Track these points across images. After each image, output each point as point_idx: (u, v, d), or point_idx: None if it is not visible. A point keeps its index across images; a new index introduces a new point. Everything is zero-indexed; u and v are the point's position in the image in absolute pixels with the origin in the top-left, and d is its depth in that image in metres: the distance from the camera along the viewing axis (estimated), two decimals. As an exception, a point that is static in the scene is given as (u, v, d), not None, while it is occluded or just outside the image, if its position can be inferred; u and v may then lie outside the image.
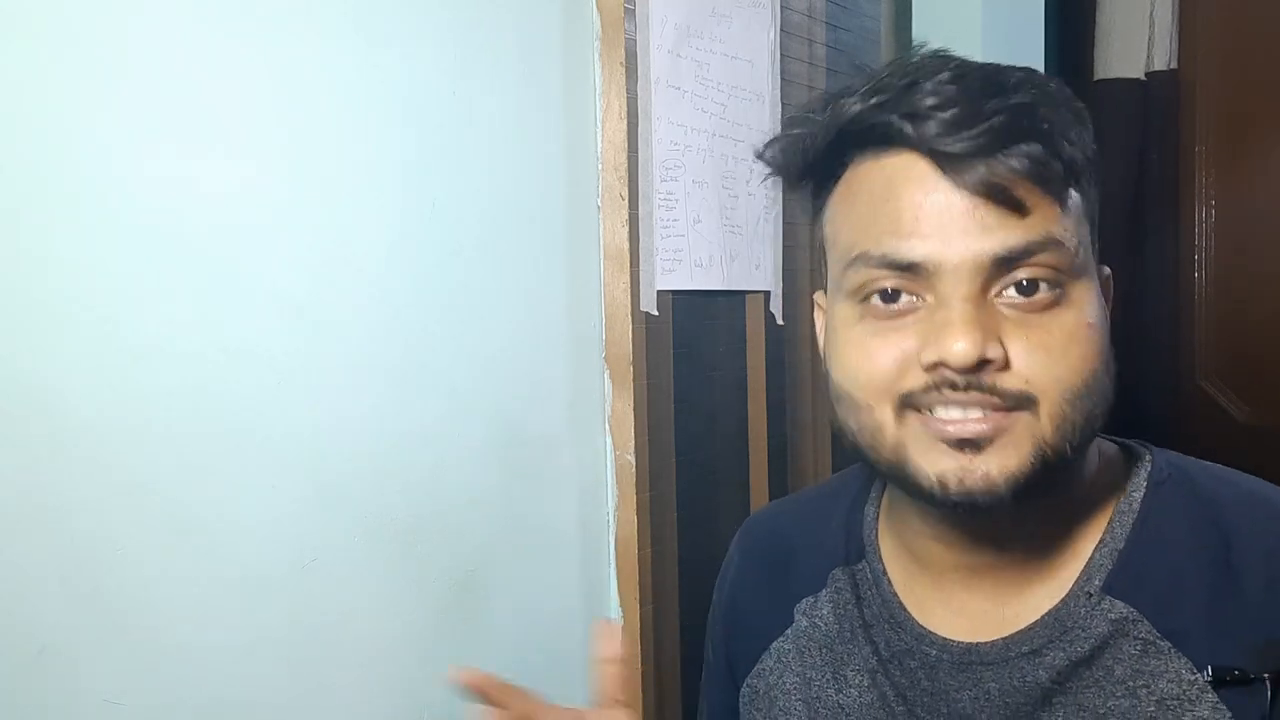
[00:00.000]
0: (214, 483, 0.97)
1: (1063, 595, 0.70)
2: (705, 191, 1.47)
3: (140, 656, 0.92)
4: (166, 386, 0.94)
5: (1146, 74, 2.47)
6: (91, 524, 0.89)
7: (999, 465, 0.64)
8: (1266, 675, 0.65)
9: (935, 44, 0.70)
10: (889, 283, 0.65)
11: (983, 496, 0.64)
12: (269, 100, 1.01)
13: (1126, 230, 2.49)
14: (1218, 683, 0.66)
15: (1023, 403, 0.63)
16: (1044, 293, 0.64)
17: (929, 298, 0.65)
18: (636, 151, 1.36)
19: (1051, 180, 0.64)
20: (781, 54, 1.62)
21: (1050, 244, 0.63)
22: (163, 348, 0.94)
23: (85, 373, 0.89)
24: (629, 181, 1.35)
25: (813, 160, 0.70)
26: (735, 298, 1.56)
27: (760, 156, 0.73)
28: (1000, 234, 0.63)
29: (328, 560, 1.07)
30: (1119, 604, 0.68)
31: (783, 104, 1.62)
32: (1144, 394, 2.46)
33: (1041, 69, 2.26)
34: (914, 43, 0.72)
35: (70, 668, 0.88)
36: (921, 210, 0.64)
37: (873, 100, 0.66)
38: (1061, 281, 0.64)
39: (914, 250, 0.64)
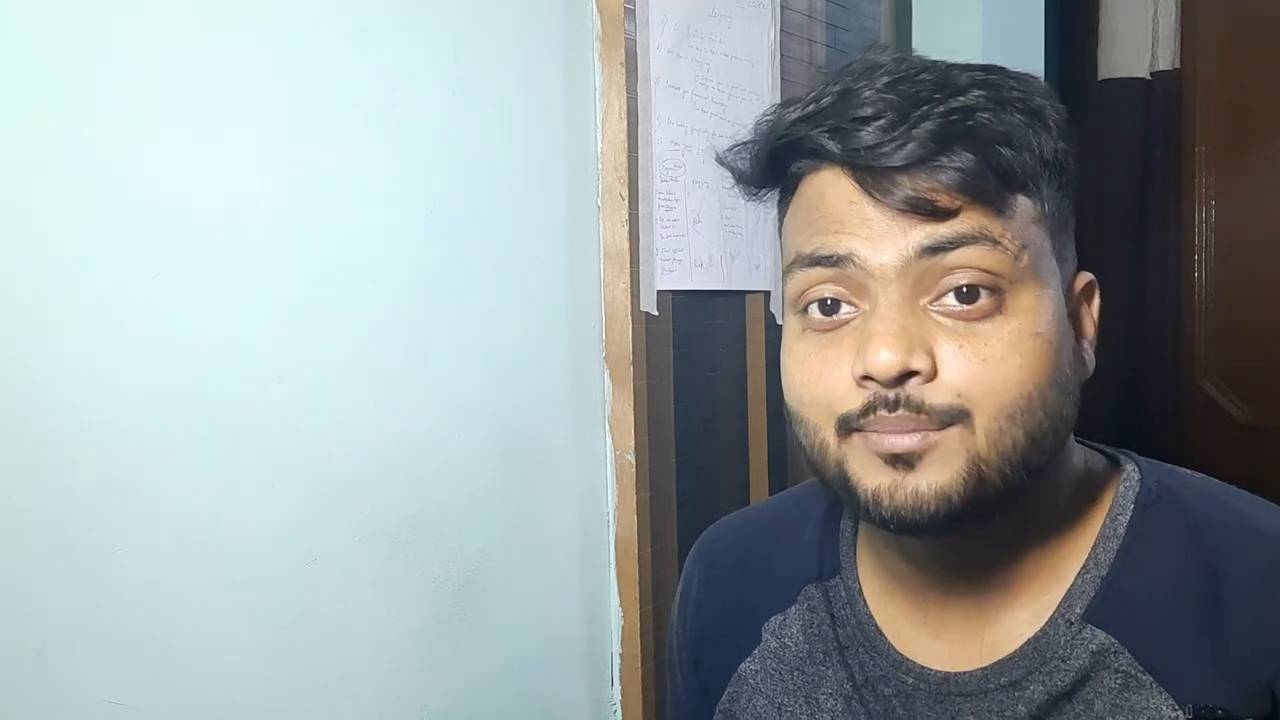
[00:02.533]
0: (214, 483, 0.97)
1: (1043, 623, 0.67)
2: (705, 191, 1.47)
3: (140, 656, 0.92)
4: (166, 386, 0.94)
5: (1151, 74, 2.48)
6: (91, 524, 0.89)
7: (928, 481, 0.61)
8: (1250, 719, 0.62)
9: (932, 49, 0.67)
10: (826, 289, 0.63)
11: (911, 514, 0.61)
12: (269, 101, 1.01)
13: (1128, 230, 2.49)
14: None
15: (954, 417, 0.61)
16: (983, 300, 0.61)
17: (864, 306, 0.63)
18: (636, 151, 1.36)
19: (983, 192, 0.60)
20: (781, 54, 1.62)
21: (981, 238, 0.60)
22: (163, 348, 0.94)
23: (85, 373, 0.89)
24: (629, 181, 1.35)
25: (761, 171, 0.69)
26: (735, 298, 1.56)
27: (722, 161, 0.71)
28: (927, 227, 0.61)
29: (328, 560, 1.07)
30: (1100, 633, 0.66)
31: (783, 104, 1.62)
32: (1144, 394, 2.46)
33: (1041, 69, 2.27)
34: (912, 46, 0.70)
35: (70, 668, 0.88)
36: (847, 216, 0.62)
37: (807, 109, 0.63)
38: (1001, 287, 0.61)
39: (839, 245, 0.62)
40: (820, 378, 0.64)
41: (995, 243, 0.61)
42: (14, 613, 0.85)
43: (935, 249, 0.61)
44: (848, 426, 0.63)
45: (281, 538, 1.03)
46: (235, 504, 0.99)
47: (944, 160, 0.60)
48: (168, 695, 0.94)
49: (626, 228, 1.35)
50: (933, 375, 0.61)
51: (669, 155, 1.41)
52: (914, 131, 0.60)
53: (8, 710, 0.84)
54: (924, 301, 0.62)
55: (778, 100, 1.60)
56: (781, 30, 1.62)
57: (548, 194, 1.31)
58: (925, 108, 0.60)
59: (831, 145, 0.62)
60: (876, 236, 0.61)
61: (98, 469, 0.90)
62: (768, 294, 1.60)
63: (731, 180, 0.71)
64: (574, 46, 1.34)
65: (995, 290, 0.61)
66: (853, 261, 0.62)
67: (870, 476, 0.63)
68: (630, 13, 1.35)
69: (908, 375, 0.60)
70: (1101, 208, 2.45)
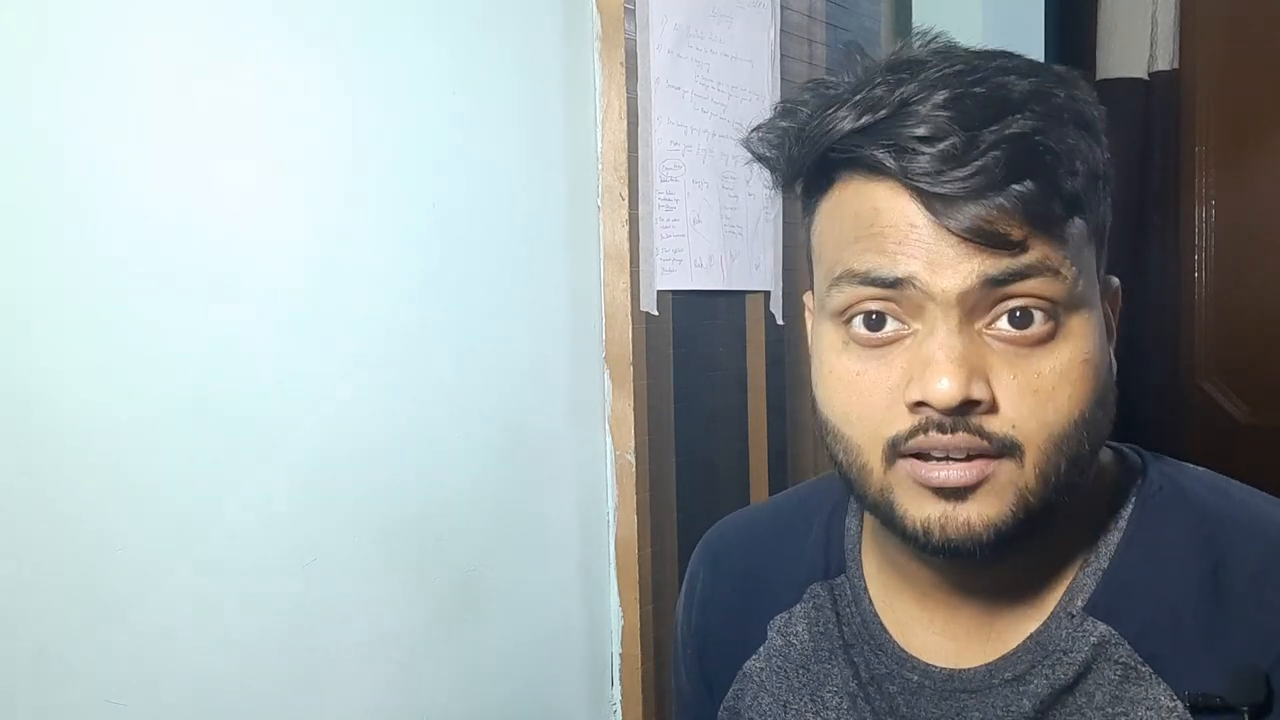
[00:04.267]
0: (214, 482, 0.97)
1: (1045, 617, 0.68)
2: (705, 191, 1.47)
3: (140, 656, 0.92)
4: (166, 386, 0.94)
5: (1149, 74, 2.47)
6: (91, 524, 0.89)
7: (979, 513, 0.61)
8: (1245, 708, 0.62)
9: (938, 34, 0.65)
10: (874, 304, 0.62)
11: (964, 543, 0.62)
12: (269, 100, 1.01)
13: (1128, 231, 2.49)
14: (1195, 709, 0.64)
15: (1007, 449, 0.61)
16: (1038, 325, 0.60)
17: (915, 325, 0.61)
18: (636, 151, 1.36)
19: (1048, 219, 0.59)
20: (781, 54, 1.62)
21: (1044, 270, 0.60)
22: (163, 348, 0.94)
23: (85, 373, 0.89)
24: (629, 181, 1.35)
25: (800, 171, 0.67)
26: (735, 298, 1.56)
27: (746, 144, 0.69)
28: (989, 255, 0.59)
29: (328, 560, 1.07)
30: (1100, 625, 0.66)
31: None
32: (1144, 394, 2.46)
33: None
34: (915, 32, 0.68)
35: (70, 668, 0.88)
36: (907, 238, 0.61)
37: (862, 120, 0.61)
38: (1057, 313, 0.61)
39: (898, 268, 0.60)
40: (867, 398, 0.63)
41: (1056, 272, 0.60)
42: (14, 613, 0.85)
43: (1000, 280, 0.60)
44: (896, 450, 0.62)
45: (281, 537, 1.03)
46: (236, 503, 0.99)
47: (1012, 188, 0.58)
48: (168, 695, 0.94)
49: (626, 228, 1.35)
50: (992, 407, 0.60)
51: (669, 155, 1.41)
52: (981, 160, 0.58)
53: (8, 710, 0.84)
54: (978, 325, 0.61)
55: (778, 100, 1.60)
56: (781, 30, 1.62)
57: (548, 194, 1.31)
58: (988, 131, 0.58)
59: (894, 164, 0.60)
60: (937, 262, 0.60)
61: (98, 468, 0.90)
62: (768, 294, 1.60)
63: (734, 177, 0.70)
64: (574, 46, 1.34)
65: (1051, 315, 0.61)
66: (913, 285, 0.60)
67: (918, 508, 0.62)
68: (630, 13, 1.35)
69: (968, 405, 0.60)
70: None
